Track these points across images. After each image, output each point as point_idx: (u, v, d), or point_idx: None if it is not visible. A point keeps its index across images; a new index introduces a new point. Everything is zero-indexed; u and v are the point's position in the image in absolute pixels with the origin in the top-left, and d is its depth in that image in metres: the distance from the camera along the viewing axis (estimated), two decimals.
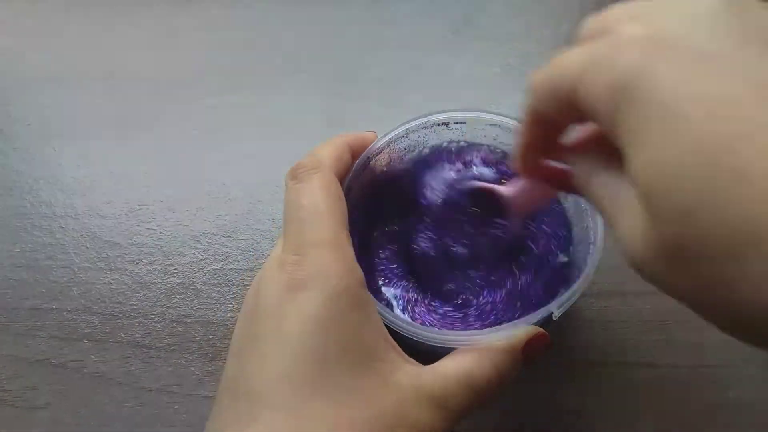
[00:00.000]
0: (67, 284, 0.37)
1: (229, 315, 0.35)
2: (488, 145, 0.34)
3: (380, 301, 0.27)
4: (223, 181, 0.41)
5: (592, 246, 0.28)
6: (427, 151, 0.34)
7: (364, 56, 0.46)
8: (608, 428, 0.31)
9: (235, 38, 0.48)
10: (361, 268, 0.25)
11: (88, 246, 0.38)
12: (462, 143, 0.34)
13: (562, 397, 0.32)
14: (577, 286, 0.27)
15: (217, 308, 0.36)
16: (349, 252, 0.24)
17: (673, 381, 0.32)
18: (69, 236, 0.39)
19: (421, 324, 0.27)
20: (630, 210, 0.17)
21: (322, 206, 0.25)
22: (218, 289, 0.36)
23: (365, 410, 0.22)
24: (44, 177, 0.42)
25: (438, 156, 0.34)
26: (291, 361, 0.22)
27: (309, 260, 0.23)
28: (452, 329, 0.30)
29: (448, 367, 0.24)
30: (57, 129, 0.44)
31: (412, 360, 0.25)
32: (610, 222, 0.18)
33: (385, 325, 0.26)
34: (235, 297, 0.36)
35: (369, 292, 0.25)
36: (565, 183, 0.23)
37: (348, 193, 0.29)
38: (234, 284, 0.36)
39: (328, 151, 0.28)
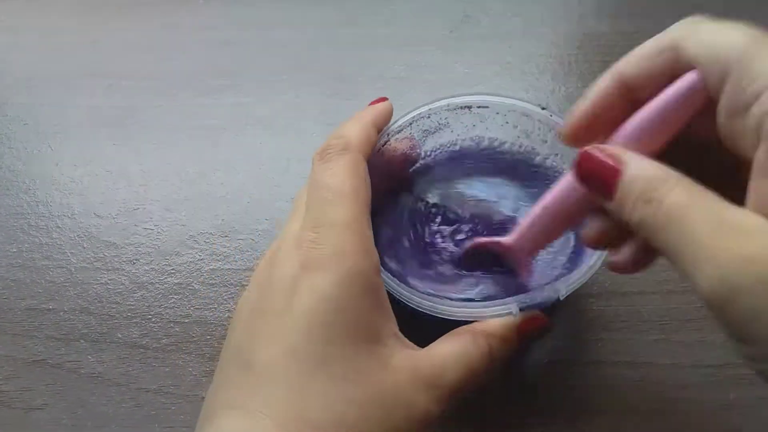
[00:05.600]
0: (64, 284, 0.37)
1: (226, 315, 0.35)
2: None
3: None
4: (221, 180, 0.40)
5: None
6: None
7: (364, 55, 0.46)
8: (608, 428, 0.31)
9: (234, 38, 0.48)
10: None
11: (84, 246, 0.38)
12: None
13: (561, 396, 0.32)
14: (586, 268, 0.26)
15: (215, 308, 0.35)
16: (368, 235, 0.25)
17: (673, 381, 0.32)
18: (66, 236, 0.38)
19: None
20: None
21: (346, 187, 0.25)
22: (216, 289, 0.36)
23: (364, 391, 0.22)
24: (41, 176, 0.41)
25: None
26: (298, 339, 0.22)
27: (327, 240, 0.23)
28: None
29: (442, 349, 0.24)
30: (54, 128, 0.44)
31: (411, 344, 0.25)
32: (683, 249, 0.17)
33: (389, 294, 0.26)
34: (233, 297, 0.36)
35: (382, 277, 0.25)
36: (607, 183, 0.19)
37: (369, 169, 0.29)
38: (232, 284, 0.36)
39: (357, 131, 0.27)
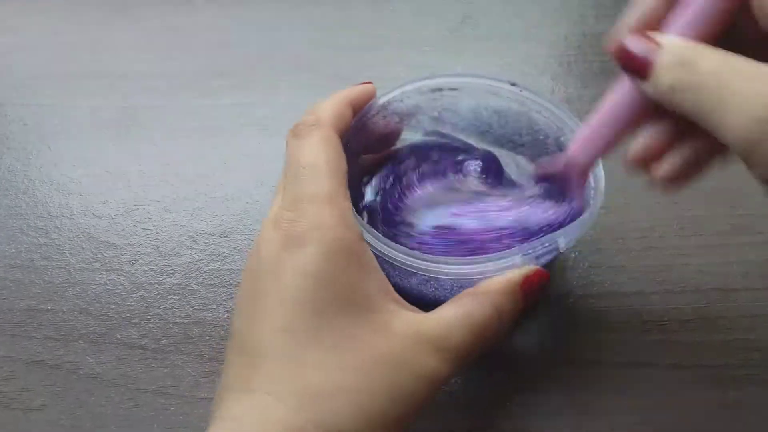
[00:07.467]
0: (63, 285, 0.37)
1: (225, 316, 0.35)
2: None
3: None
4: (221, 181, 0.40)
5: (593, 179, 0.28)
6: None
7: (364, 56, 0.46)
8: (607, 428, 0.31)
9: (234, 38, 0.48)
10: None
11: (83, 246, 0.38)
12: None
13: (560, 396, 0.32)
14: (583, 221, 0.26)
15: (214, 309, 0.35)
16: (347, 206, 0.25)
17: (672, 381, 0.32)
18: (64, 236, 0.38)
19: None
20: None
21: (320, 162, 0.25)
22: (215, 289, 0.36)
23: (361, 357, 0.22)
24: (40, 177, 0.41)
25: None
26: (290, 315, 0.22)
27: (305, 215, 0.23)
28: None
29: (448, 311, 0.24)
30: (53, 128, 0.44)
31: (414, 308, 0.25)
32: (716, 102, 0.18)
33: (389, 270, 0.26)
34: (232, 297, 0.36)
35: (367, 245, 0.25)
36: (646, 60, 0.20)
37: (345, 149, 0.28)
38: (231, 285, 0.36)
39: (329, 107, 0.28)
